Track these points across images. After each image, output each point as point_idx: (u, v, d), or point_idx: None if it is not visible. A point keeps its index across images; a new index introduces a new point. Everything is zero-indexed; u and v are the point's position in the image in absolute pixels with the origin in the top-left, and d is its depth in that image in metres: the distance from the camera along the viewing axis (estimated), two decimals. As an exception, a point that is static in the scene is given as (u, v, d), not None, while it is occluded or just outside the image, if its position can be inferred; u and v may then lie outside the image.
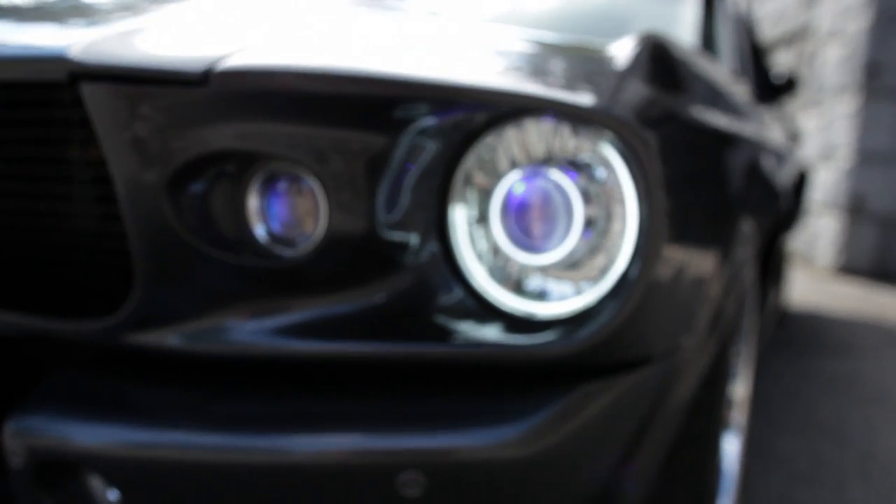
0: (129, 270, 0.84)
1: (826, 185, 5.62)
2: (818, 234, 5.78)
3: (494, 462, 0.67)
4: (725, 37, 2.36)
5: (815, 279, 5.31)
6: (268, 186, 0.74)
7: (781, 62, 6.54)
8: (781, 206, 1.71)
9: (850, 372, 3.00)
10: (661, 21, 2.49)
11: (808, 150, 5.78)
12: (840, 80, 5.42)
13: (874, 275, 5.29)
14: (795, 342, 3.44)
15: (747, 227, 1.19)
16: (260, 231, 0.75)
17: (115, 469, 0.70)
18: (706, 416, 1.11)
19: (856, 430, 2.36)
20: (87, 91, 0.68)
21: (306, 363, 0.75)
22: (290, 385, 0.75)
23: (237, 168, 0.73)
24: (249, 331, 0.73)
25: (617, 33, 1.32)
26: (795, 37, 6.42)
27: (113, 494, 0.77)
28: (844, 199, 5.36)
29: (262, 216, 0.75)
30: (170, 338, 0.74)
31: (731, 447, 1.61)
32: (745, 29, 2.93)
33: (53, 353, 0.91)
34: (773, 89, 3.16)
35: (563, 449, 0.71)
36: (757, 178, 1.30)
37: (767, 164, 1.53)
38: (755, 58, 3.04)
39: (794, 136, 3.04)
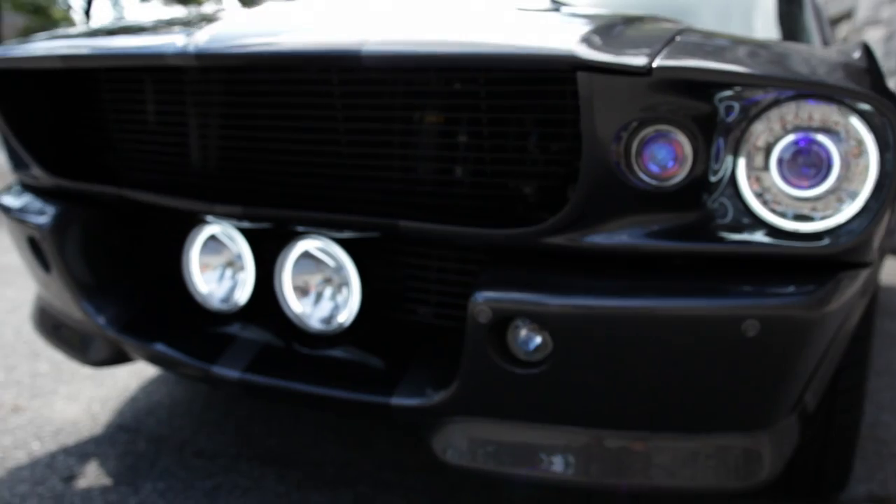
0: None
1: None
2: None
3: (798, 316, 1.08)
4: (812, 25, 2.62)
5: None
6: (651, 141, 1.13)
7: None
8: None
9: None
10: (739, 7, 2.72)
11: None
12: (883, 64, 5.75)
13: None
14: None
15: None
16: (643, 169, 1.14)
17: (544, 317, 1.13)
18: (864, 343, 1.54)
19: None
20: (581, 79, 1.06)
21: (674, 258, 1.16)
22: (660, 271, 1.16)
23: (635, 128, 1.11)
24: (631, 234, 1.13)
25: (697, 22, 1.69)
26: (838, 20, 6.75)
27: (532, 344, 1.18)
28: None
29: (647, 160, 1.13)
30: (578, 239, 1.14)
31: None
32: (825, 16, 3.19)
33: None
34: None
35: (834, 311, 1.11)
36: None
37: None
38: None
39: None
